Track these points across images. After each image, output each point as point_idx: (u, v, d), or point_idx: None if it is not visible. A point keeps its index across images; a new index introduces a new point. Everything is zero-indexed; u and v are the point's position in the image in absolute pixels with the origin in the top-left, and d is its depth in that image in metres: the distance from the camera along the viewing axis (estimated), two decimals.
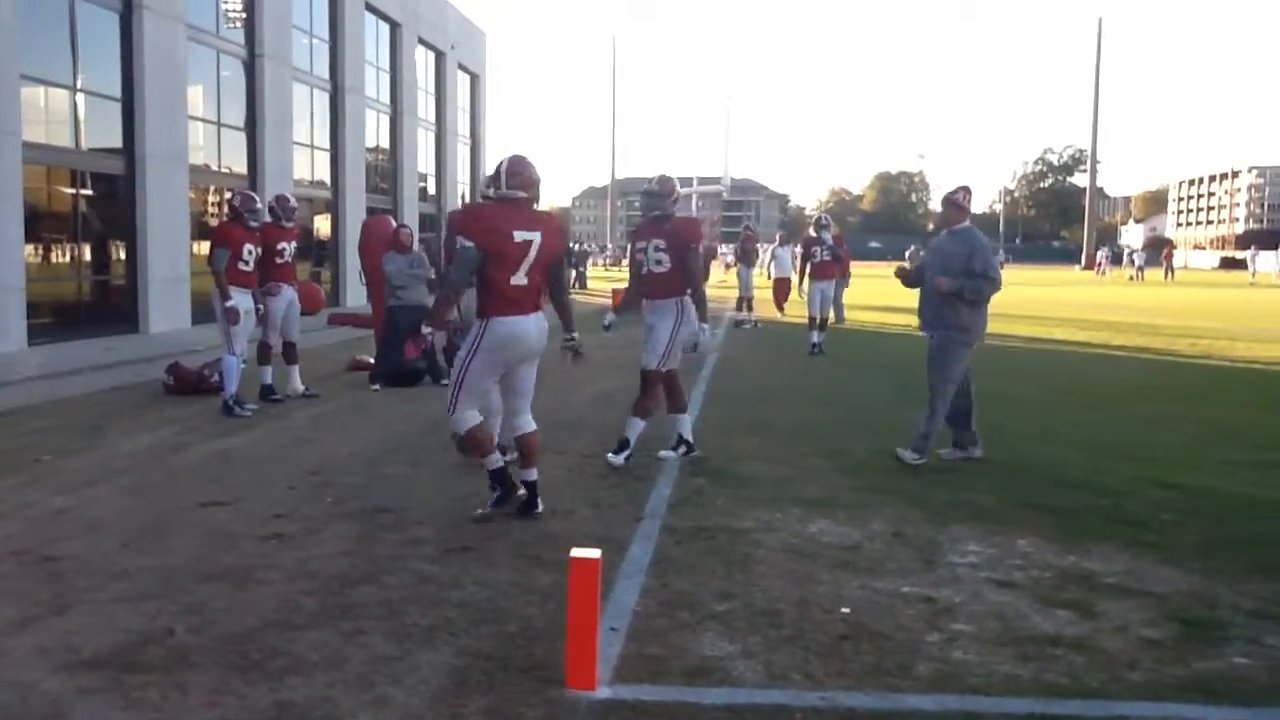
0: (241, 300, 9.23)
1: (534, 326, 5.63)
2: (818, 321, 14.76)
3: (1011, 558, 5.09)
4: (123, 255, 16.92)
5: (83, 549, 5.12)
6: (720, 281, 34.87)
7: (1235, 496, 6.35)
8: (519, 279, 5.55)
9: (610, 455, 7.08)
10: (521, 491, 5.82)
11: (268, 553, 5.09)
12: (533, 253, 5.56)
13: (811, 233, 16.20)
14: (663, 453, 7.31)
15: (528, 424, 5.85)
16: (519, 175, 5.65)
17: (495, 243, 5.48)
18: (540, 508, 5.77)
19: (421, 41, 29.92)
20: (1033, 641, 4.03)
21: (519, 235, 5.53)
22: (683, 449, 7.36)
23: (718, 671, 3.73)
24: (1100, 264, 59.29)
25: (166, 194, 17.24)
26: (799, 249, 15.68)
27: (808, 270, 15.69)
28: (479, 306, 5.62)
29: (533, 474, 5.81)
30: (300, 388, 10.22)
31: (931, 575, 4.83)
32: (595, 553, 3.58)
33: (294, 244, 10.19)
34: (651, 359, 7.13)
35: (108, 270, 16.87)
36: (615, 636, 4.00)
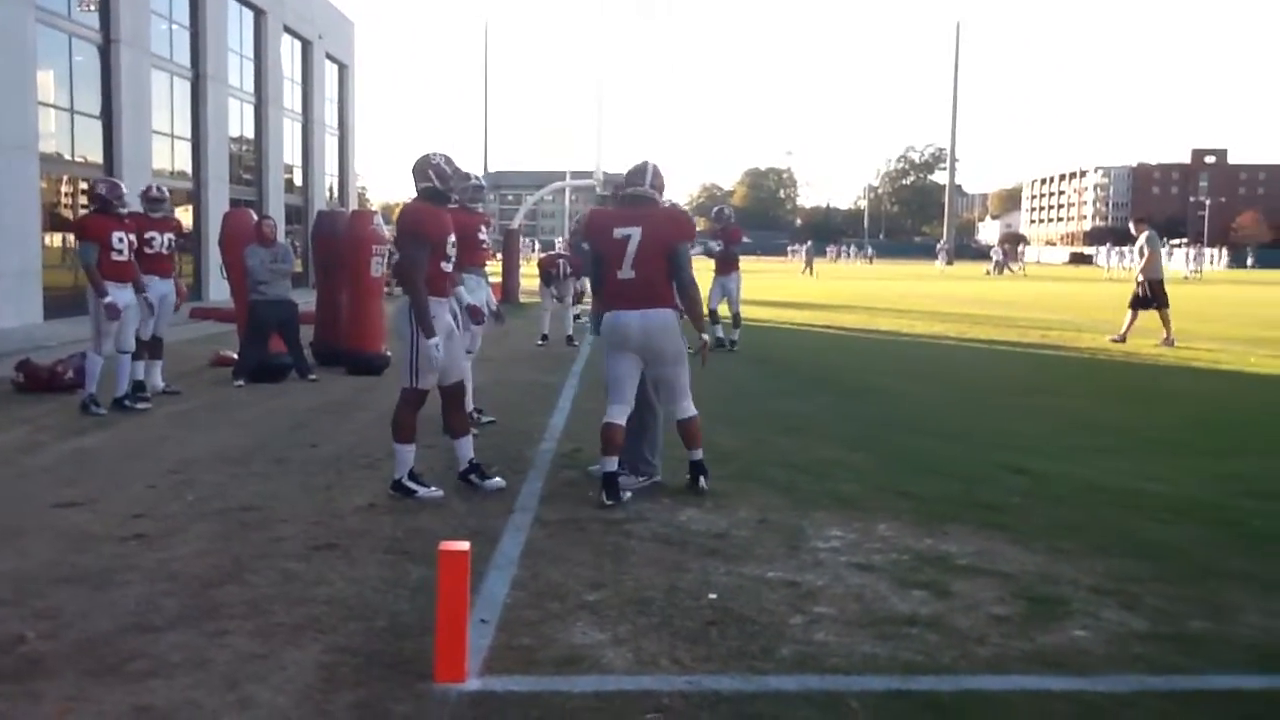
0: (120, 295, 8.76)
1: (637, 320, 5.99)
2: (718, 316, 14.43)
3: (871, 542, 5.28)
4: None
5: None
6: None
7: (1078, 480, 6.69)
8: (625, 273, 6.02)
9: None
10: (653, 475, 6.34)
11: (126, 554, 4.94)
12: (632, 247, 5.98)
13: (718, 225, 15.83)
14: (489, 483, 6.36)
15: (687, 409, 6.28)
16: (648, 176, 6.16)
17: (602, 243, 6.07)
18: (705, 485, 6.20)
19: (288, 30, 29.16)
20: (890, 621, 4.19)
21: (618, 231, 6.04)
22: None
23: (587, 660, 3.78)
24: (940, 256, 62.34)
25: (15, 183, 16.39)
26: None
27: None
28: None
29: (698, 454, 6.30)
30: (160, 384, 9.89)
31: (795, 560, 4.97)
32: (464, 545, 3.59)
33: (168, 235, 9.74)
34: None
35: None
36: (485, 628, 4.02)
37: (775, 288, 33.63)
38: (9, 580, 4.55)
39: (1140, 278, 15.87)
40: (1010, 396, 10.45)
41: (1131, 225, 17.56)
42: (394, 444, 6.11)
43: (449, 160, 6.16)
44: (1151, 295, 15.58)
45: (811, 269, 50.47)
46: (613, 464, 5.99)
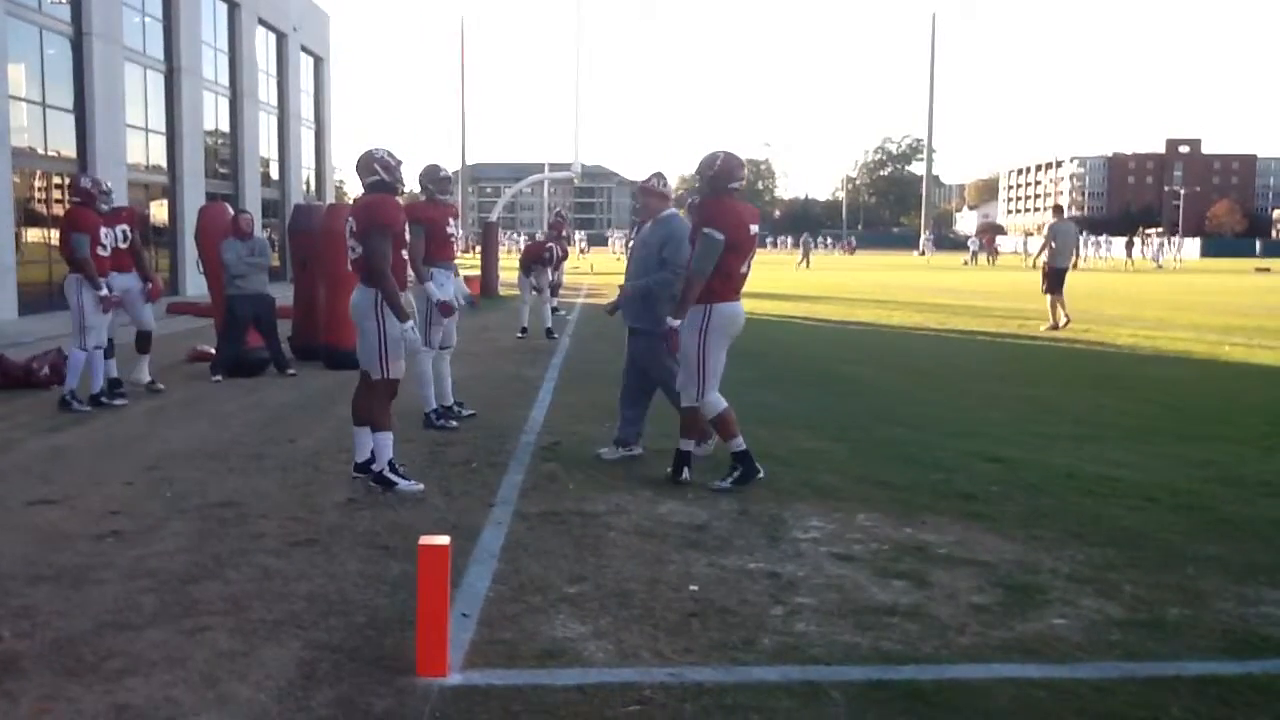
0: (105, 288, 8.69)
1: (742, 310, 6.29)
2: None
3: (851, 532, 5.30)
4: None
5: None
6: (573, 267, 34.88)
7: (1053, 468, 6.74)
8: (745, 268, 6.23)
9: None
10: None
11: (103, 551, 4.91)
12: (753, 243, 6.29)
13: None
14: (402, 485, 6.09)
15: (719, 402, 6.24)
16: (742, 169, 6.25)
17: (740, 235, 6.07)
18: (762, 473, 6.19)
19: (262, 22, 28.96)
20: (870, 611, 4.21)
21: (753, 228, 6.26)
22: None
23: (569, 653, 3.78)
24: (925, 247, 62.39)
25: None
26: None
27: None
28: (704, 292, 6.00)
29: (740, 443, 6.21)
30: (145, 379, 9.84)
31: (776, 551, 4.99)
32: (445, 539, 3.59)
33: (120, 229, 9.41)
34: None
35: None
36: (467, 623, 4.01)
37: (758, 279, 33.68)
38: None
39: (1043, 264, 16.55)
40: (987, 385, 10.50)
41: (1051, 212, 18.50)
42: (374, 434, 6.10)
43: (391, 153, 6.22)
44: (1053, 280, 16.26)
45: (808, 261, 49.27)
46: (740, 443, 6.16)
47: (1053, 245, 16.53)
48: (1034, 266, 16.54)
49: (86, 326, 8.67)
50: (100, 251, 8.75)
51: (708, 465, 6.59)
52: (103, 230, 8.81)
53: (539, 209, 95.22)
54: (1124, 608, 4.27)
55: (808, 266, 47.98)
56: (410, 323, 6.00)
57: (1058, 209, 17.84)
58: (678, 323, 6.04)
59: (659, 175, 7.08)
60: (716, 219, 6.04)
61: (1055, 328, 16.07)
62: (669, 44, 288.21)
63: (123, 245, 9.45)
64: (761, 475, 6.17)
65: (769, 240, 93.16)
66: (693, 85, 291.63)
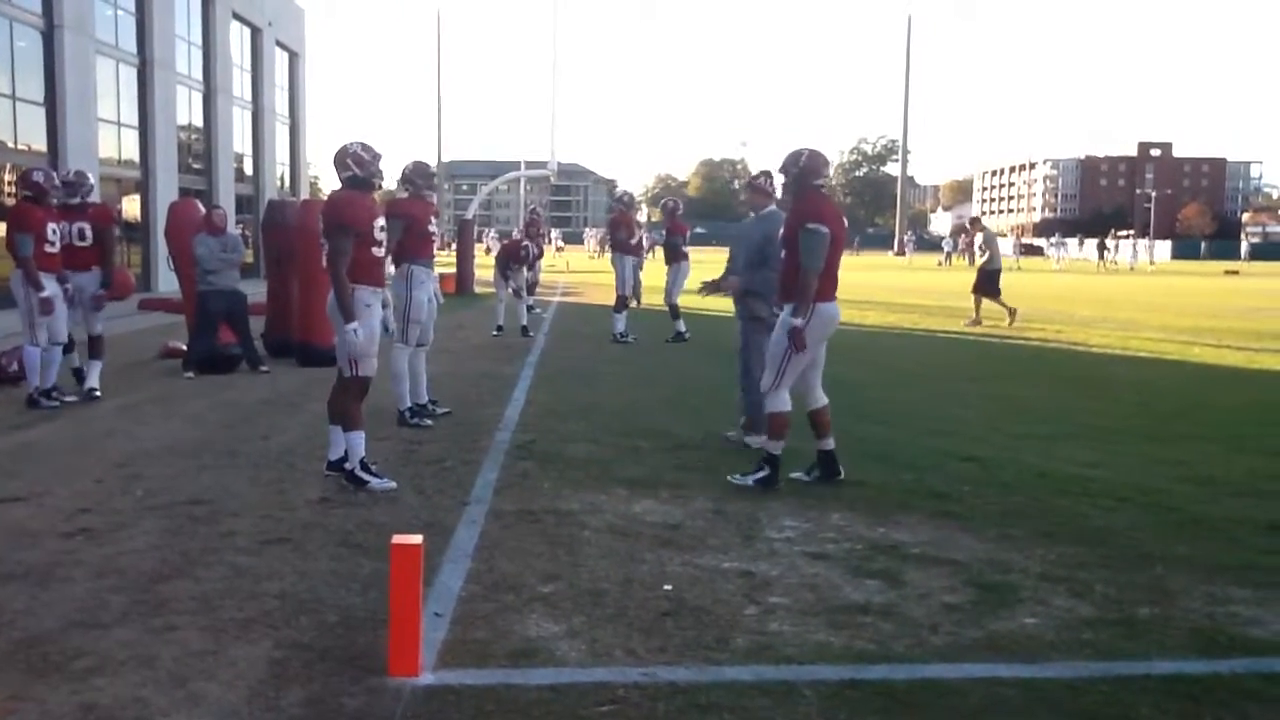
0: (51, 287, 8.44)
1: (839, 311, 6.24)
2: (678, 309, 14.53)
3: (825, 531, 5.32)
4: None
5: None
6: (549, 265, 34.83)
7: (1026, 467, 6.78)
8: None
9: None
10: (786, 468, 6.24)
11: (72, 549, 4.86)
12: None
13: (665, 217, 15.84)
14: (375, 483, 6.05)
15: (821, 398, 6.29)
16: (827, 166, 6.22)
17: (839, 228, 6.03)
18: (842, 474, 6.22)
19: (236, 17, 28.74)
20: (844, 610, 4.22)
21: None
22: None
23: (542, 652, 3.77)
24: (905, 247, 62.66)
25: None
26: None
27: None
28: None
29: (830, 443, 6.26)
30: (76, 364, 9.48)
31: (750, 550, 4.99)
32: (417, 538, 3.57)
33: (78, 225, 9.03)
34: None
35: None
36: (439, 622, 4.00)
37: None
38: None
39: (980, 267, 17.77)
40: (960, 384, 10.55)
41: (968, 223, 21.69)
42: (345, 433, 6.07)
43: (366, 147, 6.17)
44: (985, 282, 17.29)
45: None
46: (779, 448, 6.13)
47: (991, 251, 17.78)
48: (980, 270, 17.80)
49: (36, 323, 8.47)
50: (48, 249, 8.48)
51: (732, 460, 6.58)
52: (50, 226, 8.52)
53: (515, 207, 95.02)
54: (1095, 607, 4.30)
55: None
56: (354, 324, 5.87)
57: (975, 220, 20.99)
58: (801, 322, 5.97)
59: (766, 174, 7.27)
60: (816, 213, 5.99)
61: (977, 323, 16.98)
62: (645, 42, 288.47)
63: (80, 243, 9.05)
64: (779, 488, 6.11)
65: None
66: (669, 83, 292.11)
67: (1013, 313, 16.95)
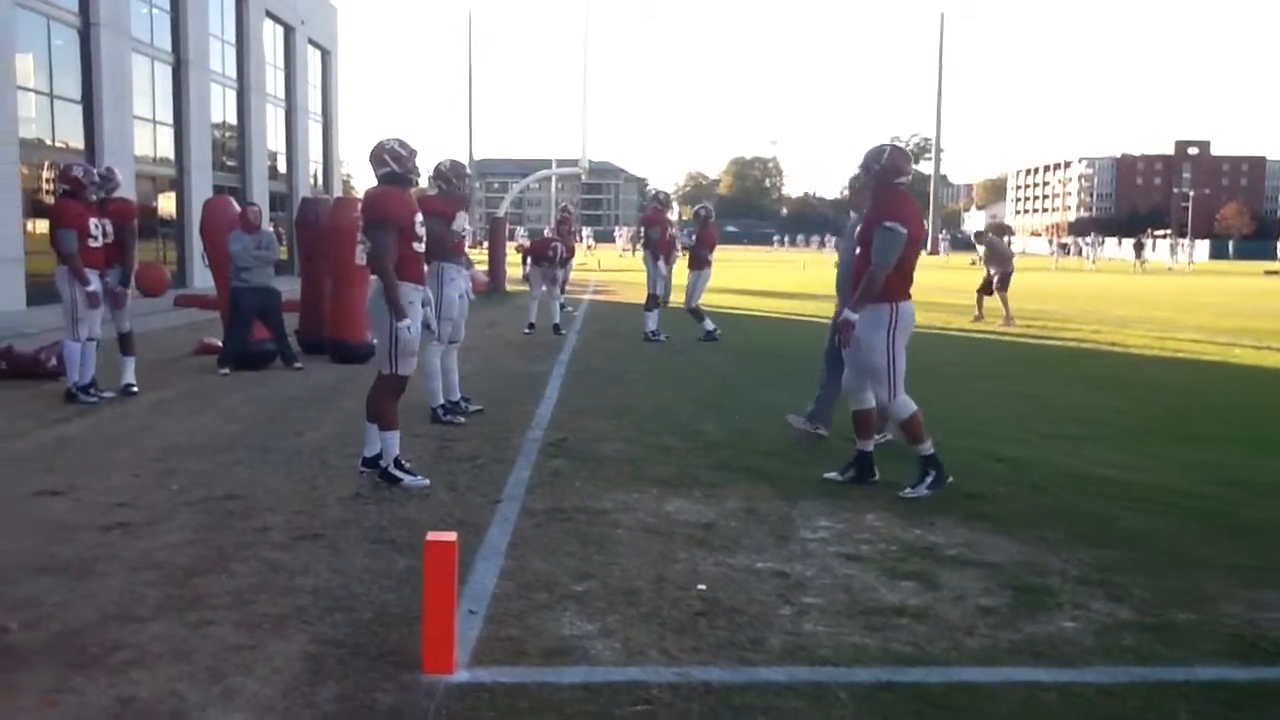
0: (94, 283, 8.53)
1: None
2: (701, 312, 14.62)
3: (860, 532, 5.28)
4: None
5: None
6: (580, 264, 34.87)
7: (1059, 469, 6.71)
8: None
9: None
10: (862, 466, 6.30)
11: (109, 543, 4.90)
12: None
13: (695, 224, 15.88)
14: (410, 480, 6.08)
15: (870, 400, 6.23)
16: (908, 163, 6.17)
17: (918, 228, 6.00)
18: (877, 475, 6.21)
19: (270, 15, 28.97)
20: (879, 612, 4.19)
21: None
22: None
23: (575, 651, 3.76)
24: (940, 246, 62.24)
25: None
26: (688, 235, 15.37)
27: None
28: (886, 289, 5.91)
29: (869, 445, 6.29)
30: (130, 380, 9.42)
31: (783, 550, 4.97)
32: (452, 535, 3.57)
33: (104, 221, 8.83)
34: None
35: None
36: (473, 619, 4.00)
37: (774, 278, 33.64)
38: None
39: (993, 272, 18.14)
40: (991, 384, 10.46)
41: (973, 236, 23.44)
42: (379, 431, 6.09)
43: (403, 143, 6.16)
44: (997, 282, 17.92)
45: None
46: (929, 447, 6.05)
47: (1000, 254, 18.49)
48: (991, 274, 18.26)
49: (79, 319, 8.59)
50: (91, 244, 8.58)
51: (766, 460, 6.55)
52: (92, 221, 8.61)
53: (546, 205, 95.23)
54: (1133, 611, 4.24)
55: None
56: (407, 321, 5.92)
57: (980, 234, 21.70)
58: (855, 317, 5.96)
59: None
60: (896, 212, 5.94)
61: (980, 318, 17.73)
62: (677, 40, 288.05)
63: (103, 239, 8.88)
64: (952, 480, 6.05)
65: (775, 239, 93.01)
66: (700, 82, 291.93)
67: (1009, 318, 17.38)
